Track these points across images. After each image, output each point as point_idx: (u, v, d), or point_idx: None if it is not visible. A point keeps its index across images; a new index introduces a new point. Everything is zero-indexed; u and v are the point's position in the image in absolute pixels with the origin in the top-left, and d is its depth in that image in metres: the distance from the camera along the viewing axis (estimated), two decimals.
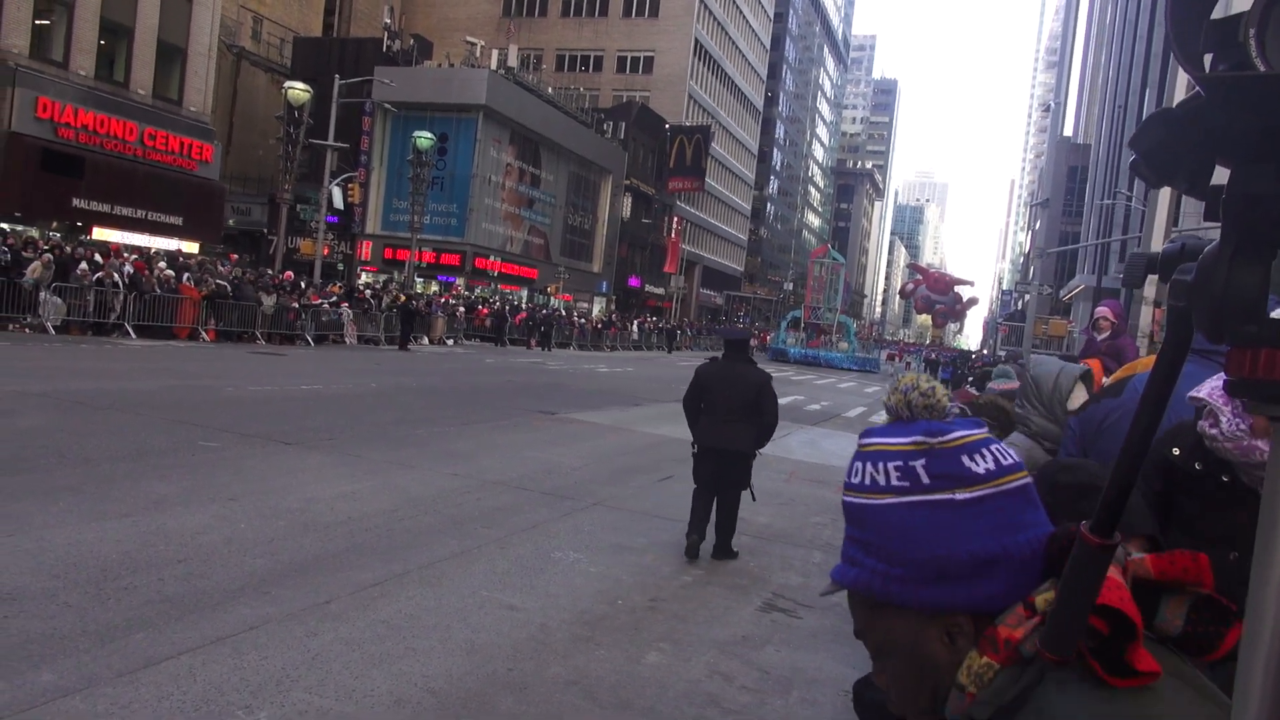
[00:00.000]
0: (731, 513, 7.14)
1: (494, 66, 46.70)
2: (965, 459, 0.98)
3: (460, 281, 43.49)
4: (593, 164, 56.03)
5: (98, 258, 20.41)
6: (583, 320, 44.15)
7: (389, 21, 49.34)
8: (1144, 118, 0.62)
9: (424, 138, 36.64)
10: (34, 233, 24.58)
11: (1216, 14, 0.58)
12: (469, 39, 49.18)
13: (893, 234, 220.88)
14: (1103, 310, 7.45)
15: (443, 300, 34.58)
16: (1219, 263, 0.61)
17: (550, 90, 52.28)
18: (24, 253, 19.24)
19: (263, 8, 46.48)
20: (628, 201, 60.79)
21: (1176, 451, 2.14)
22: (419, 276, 39.70)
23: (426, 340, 29.75)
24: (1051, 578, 0.93)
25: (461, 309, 34.77)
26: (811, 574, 7.04)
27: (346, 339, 26.07)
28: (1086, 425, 3.18)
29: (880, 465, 1.00)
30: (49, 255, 19.05)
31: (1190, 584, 0.95)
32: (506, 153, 47.08)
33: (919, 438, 1.00)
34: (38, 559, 5.07)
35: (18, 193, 24.39)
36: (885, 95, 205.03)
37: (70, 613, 4.39)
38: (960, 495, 0.96)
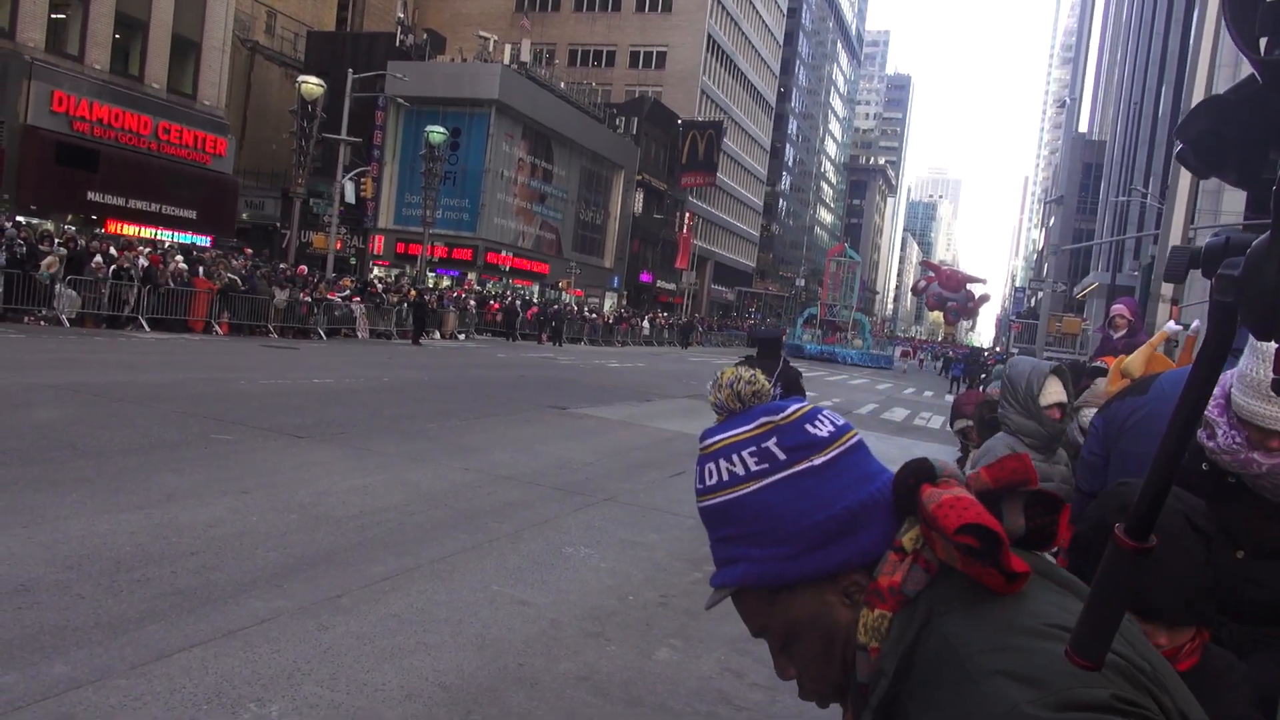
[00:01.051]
0: None
1: (506, 61, 46.72)
2: (809, 427, 1.03)
3: (472, 276, 43.55)
4: (605, 159, 55.99)
5: (113, 251, 20.51)
6: (594, 315, 44.14)
7: (402, 16, 49.51)
8: (1191, 105, 0.60)
9: (437, 132, 36.69)
10: (49, 226, 24.71)
11: None
12: (481, 33, 49.18)
13: (905, 230, 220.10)
14: (1119, 308, 7.39)
15: (454, 295, 34.62)
16: (1270, 257, 0.58)
17: (563, 85, 52.28)
18: (40, 245, 19.34)
19: (276, 2, 46.61)
20: (639, 197, 60.76)
21: (1205, 467, 2.12)
22: (430, 270, 39.77)
23: (438, 335, 29.79)
24: (909, 517, 0.98)
25: (473, 304, 34.81)
26: None
27: (359, 333, 26.14)
28: (1110, 423, 3.14)
29: (734, 457, 1.03)
30: (64, 249, 19.15)
31: (1019, 484, 0.98)
32: (519, 148, 47.09)
33: (762, 419, 1.04)
34: (51, 550, 5.08)
35: (33, 186, 24.55)
36: (899, 91, 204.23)
37: (83, 604, 4.40)
38: (817, 460, 1.01)
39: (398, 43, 45.22)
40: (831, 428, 1.04)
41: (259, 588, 4.94)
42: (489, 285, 43.81)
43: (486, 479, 8.51)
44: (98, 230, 25.86)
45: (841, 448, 1.03)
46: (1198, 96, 24.93)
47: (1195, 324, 4.86)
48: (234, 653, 4.09)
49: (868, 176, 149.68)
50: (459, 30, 58.95)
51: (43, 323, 18.10)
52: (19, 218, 23.47)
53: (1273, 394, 1.80)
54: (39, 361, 13.28)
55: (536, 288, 48.85)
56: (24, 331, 16.70)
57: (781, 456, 1.01)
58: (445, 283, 41.01)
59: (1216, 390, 1.99)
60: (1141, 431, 2.78)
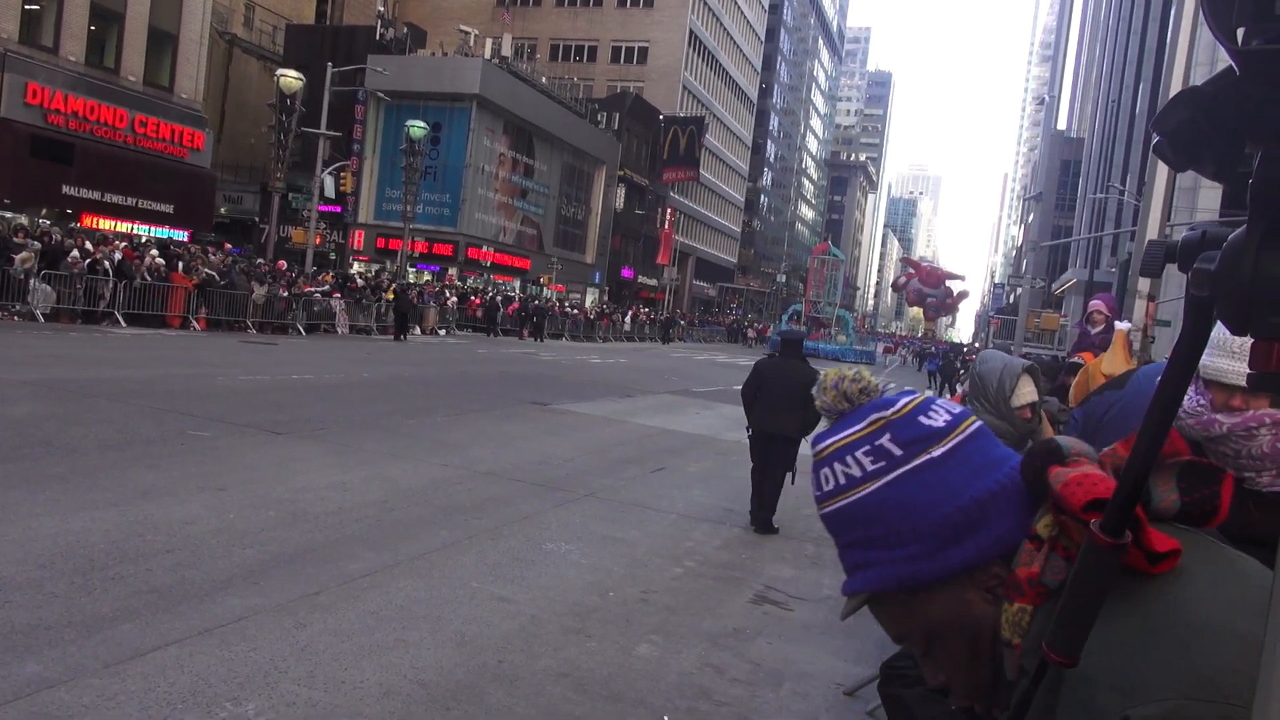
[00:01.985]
0: (775, 491, 8.00)
1: (488, 56, 46.49)
2: (923, 418, 0.98)
3: (453, 272, 43.37)
4: (586, 154, 55.87)
5: (88, 245, 20.28)
6: (575, 311, 44.07)
7: (382, 9, 49.12)
8: (1169, 97, 0.59)
9: (417, 127, 36.48)
10: (23, 220, 24.41)
11: None
12: (463, 28, 48.90)
13: (886, 226, 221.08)
14: (1096, 304, 7.46)
15: (435, 290, 34.47)
16: (1246, 251, 0.58)
17: (544, 80, 52.09)
18: (14, 239, 19.10)
19: None
20: (621, 192, 60.69)
21: None
22: (411, 266, 39.58)
23: (419, 330, 29.65)
24: (1043, 504, 0.92)
25: (454, 299, 34.67)
26: (803, 566, 7.03)
27: (338, 329, 25.97)
28: (1089, 417, 3.19)
29: (848, 459, 0.99)
30: (38, 244, 18.91)
31: (1169, 456, 0.92)
32: (500, 142, 46.91)
33: (873, 416, 0.99)
34: (24, 548, 5.02)
35: (7, 179, 24.22)
36: (879, 88, 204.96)
37: (57, 603, 4.35)
38: (936, 452, 0.95)
39: (378, 36, 44.89)
40: (948, 416, 0.99)
41: (235, 585, 4.90)
42: (470, 281, 43.64)
43: (467, 475, 8.48)
44: (73, 224, 25.56)
45: (961, 436, 0.97)
46: (1175, 92, 25.10)
47: (1125, 324, 4.94)
48: (210, 651, 4.05)
49: (849, 173, 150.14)
50: (439, 24, 58.62)
51: (16, 318, 17.88)
52: None
53: (1236, 350, 1.82)
54: (13, 357, 13.10)
55: (518, 283, 48.71)
56: None
57: (898, 452, 0.96)
58: (426, 278, 40.80)
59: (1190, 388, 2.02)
60: (1119, 424, 2.84)
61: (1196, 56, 25.10)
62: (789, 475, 7.97)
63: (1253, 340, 0.59)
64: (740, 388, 8.42)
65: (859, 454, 0.98)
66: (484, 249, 45.57)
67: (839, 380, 1.03)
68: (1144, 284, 26.54)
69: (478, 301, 36.53)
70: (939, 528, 0.93)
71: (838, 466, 0.99)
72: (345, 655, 4.21)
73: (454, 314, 33.89)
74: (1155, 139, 0.62)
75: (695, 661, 4.78)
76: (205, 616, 4.42)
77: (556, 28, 67.42)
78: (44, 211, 26.45)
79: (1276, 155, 0.56)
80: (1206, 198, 25.19)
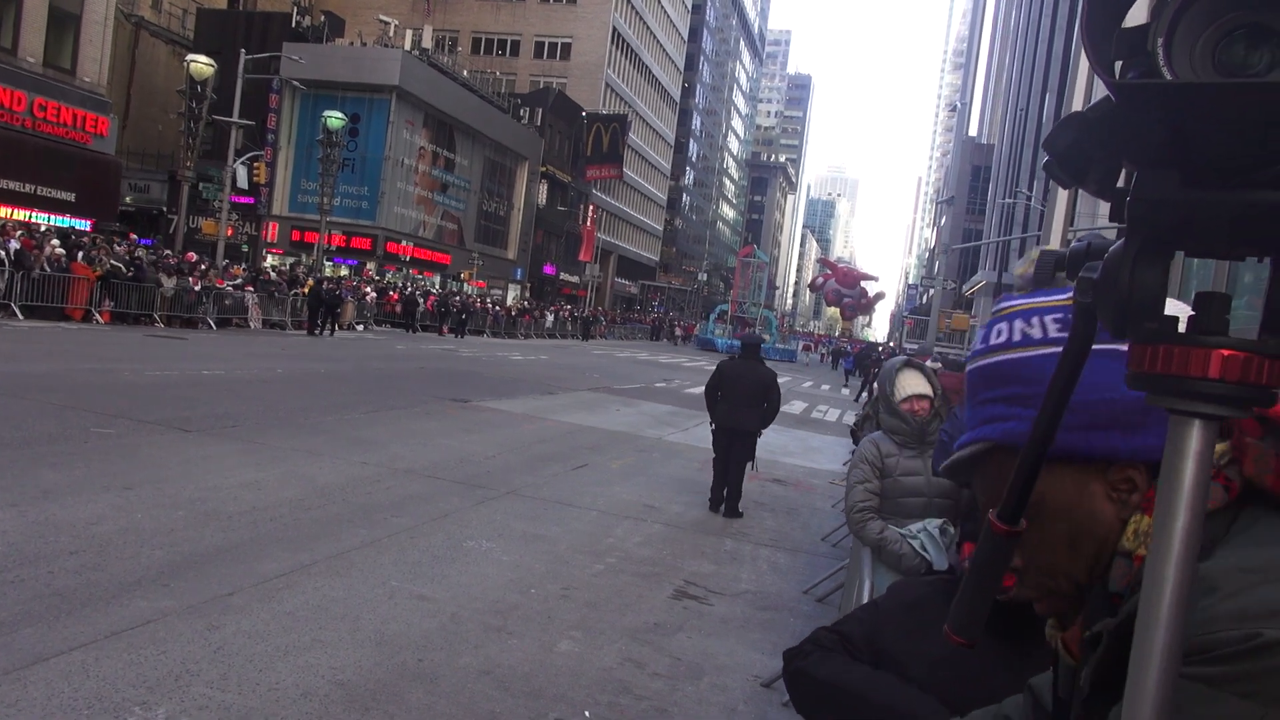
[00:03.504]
0: (738, 480, 8.82)
1: (408, 47, 45.74)
2: None
3: (371, 266, 42.58)
4: (508, 150, 55.43)
5: None
6: (497, 308, 43.72)
7: None
8: (1058, 120, 0.65)
9: (335, 117, 35.73)
10: None
11: (1128, 23, 0.61)
12: (382, 18, 48.01)
13: (805, 227, 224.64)
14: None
15: (352, 284, 33.80)
16: (1123, 262, 0.64)
17: (466, 73, 51.49)
18: None
19: None
20: (544, 188, 60.41)
21: None
22: (328, 260, 38.73)
23: (335, 326, 29.05)
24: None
25: (372, 294, 34.07)
26: (722, 562, 7.13)
27: (251, 323, 25.28)
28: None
29: (1033, 320, 0.96)
30: None
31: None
32: (420, 135, 46.21)
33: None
34: None
35: None
36: (799, 90, 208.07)
37: None
38: (1121, 347, 0.95)
39: (294, 24, 43.73)
40: None
41: (144, 587, 4.76)
42: (388, 275, 42.91)
43: (385, 473, 8.37)
44: None
45: None
46: (1078, 103, 26.21)
47: None
48: (117, 655, 3.93)
49: (769, 173, 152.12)
50: (358, 13, 57.44)
51: None
52: None
53: None
54: None
55: (438, 278, 48.07)
56: None
57: None
58: (344, 272, 39.99)
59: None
60: None
61: None
62: (750, 464, 8.88)
63: (1130, 343, 0.65)
64: (657, 383, 8.96)
65: (1049, 319, 0.95)
66: (403, 243, 44.85)
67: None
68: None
69: (396, 297, 35.95)
70: (1096, 408, 0.91)
71: (1018, 323, 0.97)
72: (260, 657, 4.14)
73: (372, 309, 33.29)
74: (1045, 158, 0.68)
75: (616, 657, 4.82)
76: (112, 619, 4.29)
77: (479, 21, 66.73)
78: None
79: (1148, 176, 0.62)
80: (1106, 205, 26.25)
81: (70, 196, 27.95)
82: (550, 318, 48.27)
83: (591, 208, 68.54)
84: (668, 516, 8.37)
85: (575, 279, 67.80)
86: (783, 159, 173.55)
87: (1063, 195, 27.11)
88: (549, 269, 63.51)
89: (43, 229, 24.08)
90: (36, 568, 4.81)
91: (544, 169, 59.62)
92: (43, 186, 27.02)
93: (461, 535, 6.70)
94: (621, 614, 5.52)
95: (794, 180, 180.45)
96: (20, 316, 18.56)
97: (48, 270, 19.49)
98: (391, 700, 3.94)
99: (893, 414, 4.31)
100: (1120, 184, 0.65)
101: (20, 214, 26.08)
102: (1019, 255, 43.12)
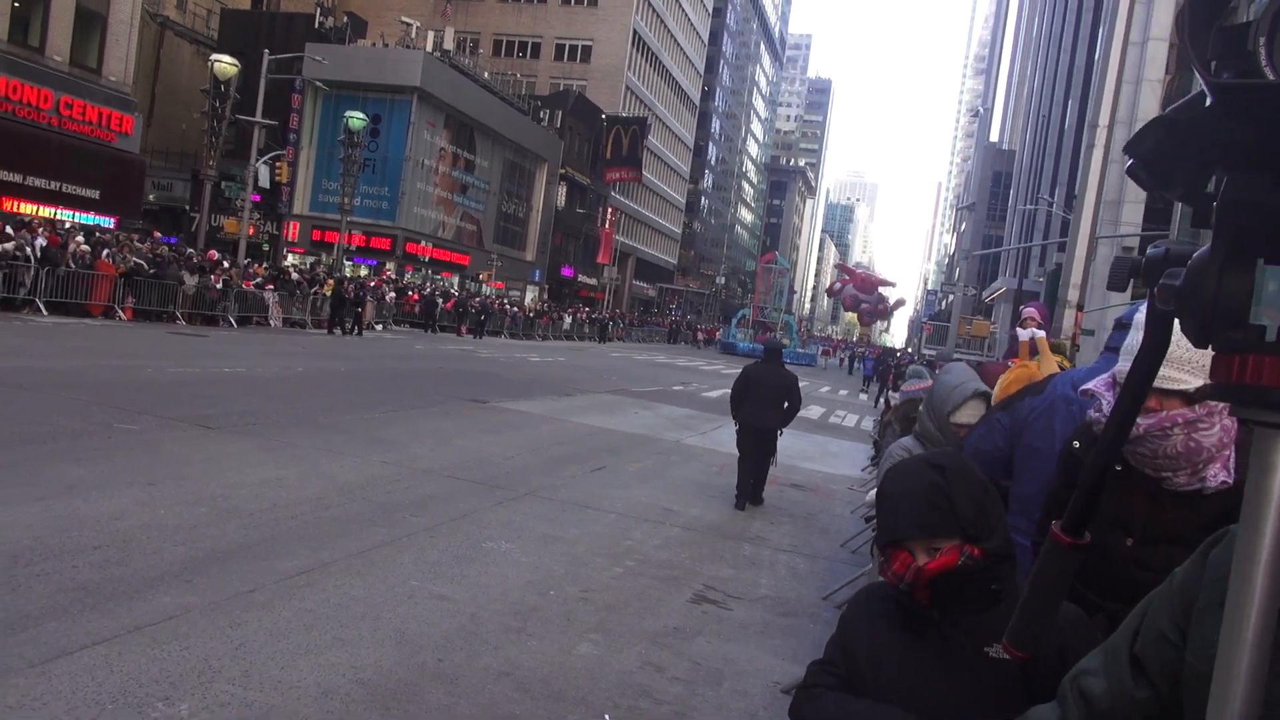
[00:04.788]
0: (762, 474, 9.58)
1: (429, 48, 45.92)
2: None
3: (390, 266, 42.76)
4: (528, 151, 55.56)
5: (8, 229, 19.52)
6: (515, 309, 43.80)
7: None
8: (1095, 120, 0.63)
9: (356, 118, 35.90)
10: None
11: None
12: (404, 19, 48.22)
13: (824, 231, 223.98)
14: (1030, 310, 7.64)
15: (372, 284, 33.96)
16: (1209, 269, 0.62)
17: (486, 75, 51.65)
18: None
19: None
20: (563, 190, 60.50)
21: (1077, 445, 2.27)
22: (348, 259, 38.93)
23: (359, 326, 29.19)
24: None
25: (391, 294, 34.20)
26: (741, 566, 7.10)
27: (271, 321, 25.43)
28: (1015, 420, 3.33)
29: None
30: None
31: None
32: (440, 136, 46.39)
33: None
34: None
35: None
36: (819, 94, 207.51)
37: None
38: None
39: (317, 25, 44.01)
40: None
41: (167, 583, 4.78)
42: (408, 275, 43.08)
43: (404, 472, 8.39)
44: None
45: None
46: (1102, 111, 26.01)
47: (1027, 333, 5.13)
48: (140, 650, 3.95)
49: (788, 177, 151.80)
50: (380, 15, 57.77)
51: None
52: None
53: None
54: None
55: (456, 279, 48.21)
56: None
57: None
58: (363, 272, 40.17)
59: (1106, 376, 2.13)
60: (1039, 427, 2.99)
61: (1125, 75, 25.97)
62: (772, 460, 9.64)
63: (1214, 353, 0.63)
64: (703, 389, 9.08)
65: None
66: (422, 244, 45.03)
67: None
68: (1072, 293, 27.36)
69: (415, 297, 36.07)
70: None
71: None
72: (282, 654, 4.14)
73: (391, 309, 33.42)
74: (1128, 162, 0.66)
75: (636, 660, 4.81)
76: (135, 614, 4.30)
77: (500, 23, 66.93)
78: None
79: (1240, 180, 0.60)
80: (1129, 212, 26.07)
81: (95, 194, 28.22)
82: (568, 319, 48.32)
83: (610, 210, 68.59)
84: (686, 520, 8.34)
85: (593, 281, 67.86)
86: (802, 163, 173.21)
87: (1088, 204, 26.92)
88: (567, 271, 63.59)
89: (67, 226, 24.32)
90: (61, 561, 4.84)
91: (563, 171, 59.72)
92: (68, 184, 27.29)
93: (480, 536, 6.70)
94: (641, 617, 5.50)
95: (813, 185, 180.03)
96: (45, 313, 18.74)
97: (72, 267, 19.67)
98: (412, 700, 3.94)
99: (940, 428, 4.24)
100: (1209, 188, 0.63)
101: (46, 211, 26.35)
102: (1040, 262, 42.86)
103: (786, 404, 9.54)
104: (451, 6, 60.90)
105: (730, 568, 7.00)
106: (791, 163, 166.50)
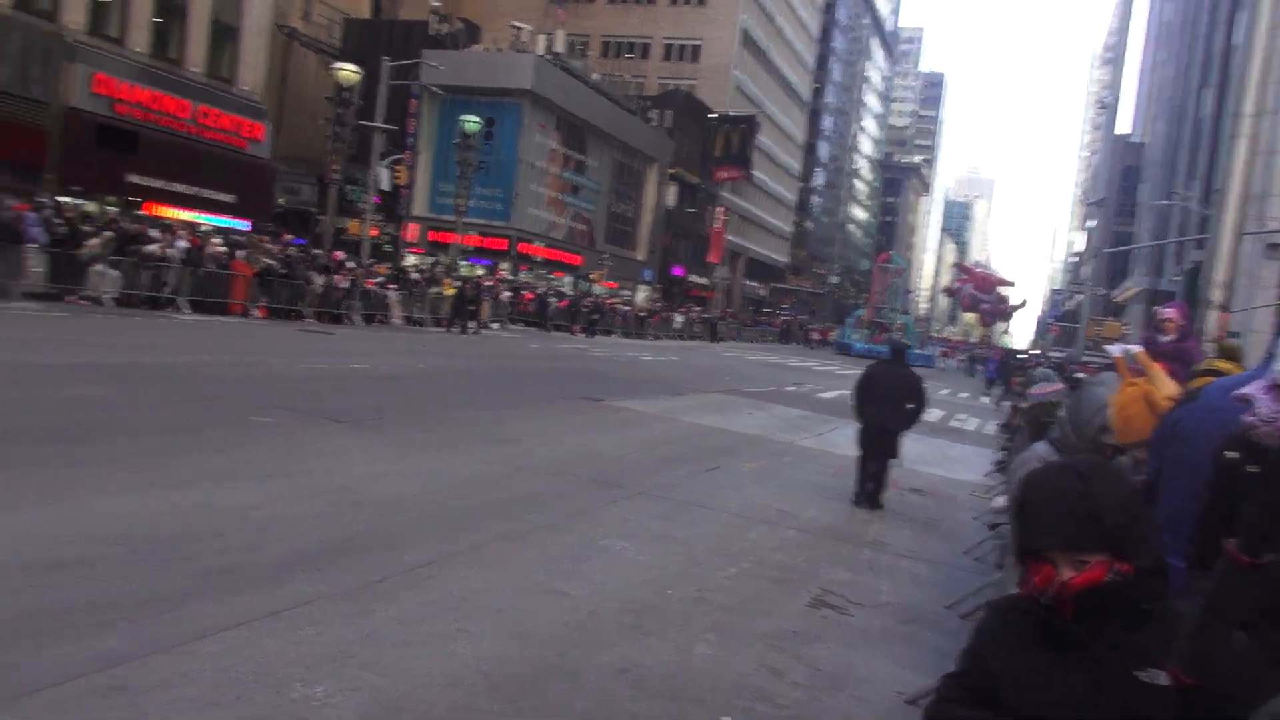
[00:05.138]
0: (883, 474, 9.38)
1: (540, 52, 46.68)
2: None
3: (505, 266, 43.65)
4: (638, 151, 55.88)
5: (154, 232, 20.73)
6: (626, 308, 44.11)
7: (437, 5, 49.47)
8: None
9: (471, 121, 36.70)
10: (90, 207, 25.01)
11: None
12: (515, 24, 49.14)
13: (941, 230, 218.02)
14: (1169, 312, 7.23)
15: (488, 284, 34.72)
16: None
17: (596, 76, 52.17)
18: (82, 227, 19.58)
19: None
20: (672, 190, 60.62)
21: (1233, 455, 2.11)
22: (464, 259, 39.90)
23: (474, 324, 29.88)
24: None
25: (507, 293, 34.89)
26: (860, 571, 6.95)
27: (393, 319, 26.27)
28: (1162, 429, 3.16)
29: None
30: (109, 232, 19.39)
31: None
32: (552, 138, 47.11)
33: None
34: (94, 527, 5.13)
35: (77, 168, 24.83)
36: (933, 89, 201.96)
37: (128, 580, 4.43)
38: None
39: (432, 31, 45.31)
40: None
41: (300, 570, 4.96)
42: (521, 275, 43.91)
43: (522, 469, 8.52)
44: (136, 212, 26.13)
45: None
46: (1246, 100, 24.41)
47: (1116, 348, 4.76)
48: (278, 633, 4.11)
49: (902, 174, 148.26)
50: (493, 20, 59.00)
51: (83, 302, 18.32)
52: (60, 198, 23.75)
53: None
54: (80, 341, 13.46)
55: (568, 279, 48.88)
56: (67, 311, 16.90)
57: None
58: (479, 271, 41.13)
59: (1263, 380, 2.04)
60: (1190, 437, 2.81)
61: (1274, 61, 24.33)
62: (893, 460, 9.43)
63: None
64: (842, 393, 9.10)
65: None
66: (535, 244, 45.82)
67: None
68: (1216, 293, 25.81)
69: (530, 296, 36.71)
70: None
71: None
72: (409, 643, 4.25)
73: (506, 308, 34.08)
74: None
75: (753, 662, 4.74)
76: (272, 599, 4.48)
77: (609, 24, 67.51)
78: (109, 199, 27.05)
79: None
80: (1277, 205, 24.43)
81: (230, 198, 29.70)
82: (679, 319, 48.37)
83: (720, 209, 68.36)
84: (801, 522, 8.22)
85: (704, 281, 67.75)
86: (917, 160, 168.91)
87: (1233, 198, 25.37)
88: (678, 270, 63.68)
89: (204, 229, 25.68)
90: (203, 545, 5.08)
91: (672, 171, 59.83)
92: (205, 189, 28.80)
93: (596, 534, 6.74)
94: (757, 619, 5.43)
95: (928, 182, 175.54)
96: (186, 311, 19.82)
97: (212, 267, 20.76)
98: (533, 694, 3.98)
99: (1081, 438, 4.05)
100: None
101: (185, 215, 27.88)
102: (1176, 261, 40.66)
103: (910, 405, 9.36)
104: (565, 10, 61.77)
105: (848, 571, 6.85)
106: (906, 160, 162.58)
